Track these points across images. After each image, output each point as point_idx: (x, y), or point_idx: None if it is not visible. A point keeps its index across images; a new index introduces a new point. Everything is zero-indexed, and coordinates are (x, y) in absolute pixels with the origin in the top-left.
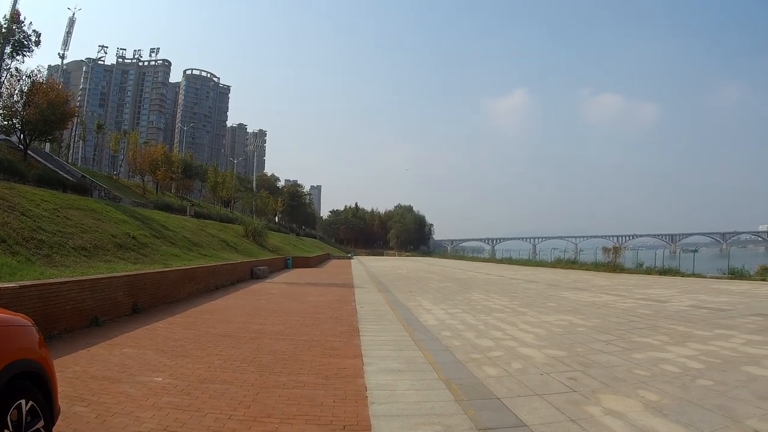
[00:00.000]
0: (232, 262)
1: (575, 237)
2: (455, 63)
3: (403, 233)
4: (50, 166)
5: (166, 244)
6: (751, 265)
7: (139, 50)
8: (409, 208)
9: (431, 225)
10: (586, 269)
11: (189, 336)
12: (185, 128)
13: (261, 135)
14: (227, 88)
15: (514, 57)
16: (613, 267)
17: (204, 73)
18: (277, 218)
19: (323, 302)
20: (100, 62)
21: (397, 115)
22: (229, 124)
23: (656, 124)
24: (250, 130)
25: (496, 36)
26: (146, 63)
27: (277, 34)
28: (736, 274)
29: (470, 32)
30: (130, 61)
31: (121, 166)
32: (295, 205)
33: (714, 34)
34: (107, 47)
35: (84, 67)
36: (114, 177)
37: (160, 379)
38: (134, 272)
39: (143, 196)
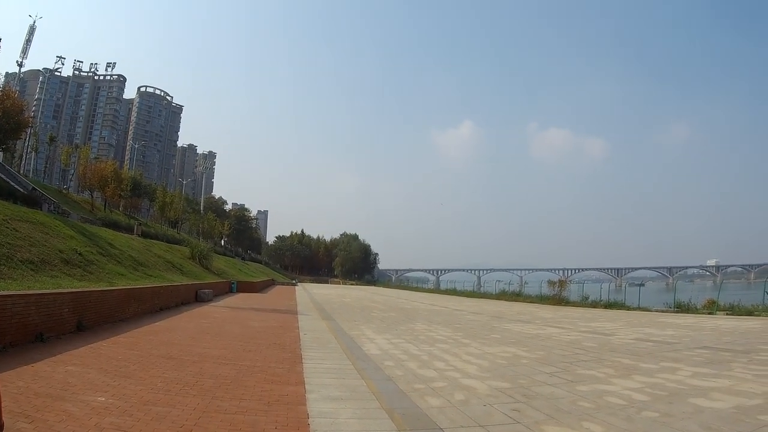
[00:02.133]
0: (177, 283)
1: (520, 270)
2: (407, 93)
3: (348, 261)
4: (2, 176)
5: (113, 263)
6: (698, 299)
7: (96, 64)
8: (355, 237)
9: (376, 254)
10: (531, 302)
11: (132, 356)
12: (136, 146)
13: (210, 157)
14: (180, 108)
15: (463, 89)
16: (558, 300)
17: (158, 91)
18: (222, 242)
19: (267, 328)
20: (56, 73)
21: (346, 144)
22: (179, 144)
23: (604, 160)
24: (200, 151)
25: (447, 67)
26: (102, 77)
27: (233, 60)
28: (682, 308)
29: (425, 62)
30: (86, 74)
31: (71, 180)
32: (241, 229)
33: (662, 71)
34: (65, 58)
35: (40, 77)
36: (64, 191)
37: (103, 399)
38: (80, 289)
39: (91, 213)
